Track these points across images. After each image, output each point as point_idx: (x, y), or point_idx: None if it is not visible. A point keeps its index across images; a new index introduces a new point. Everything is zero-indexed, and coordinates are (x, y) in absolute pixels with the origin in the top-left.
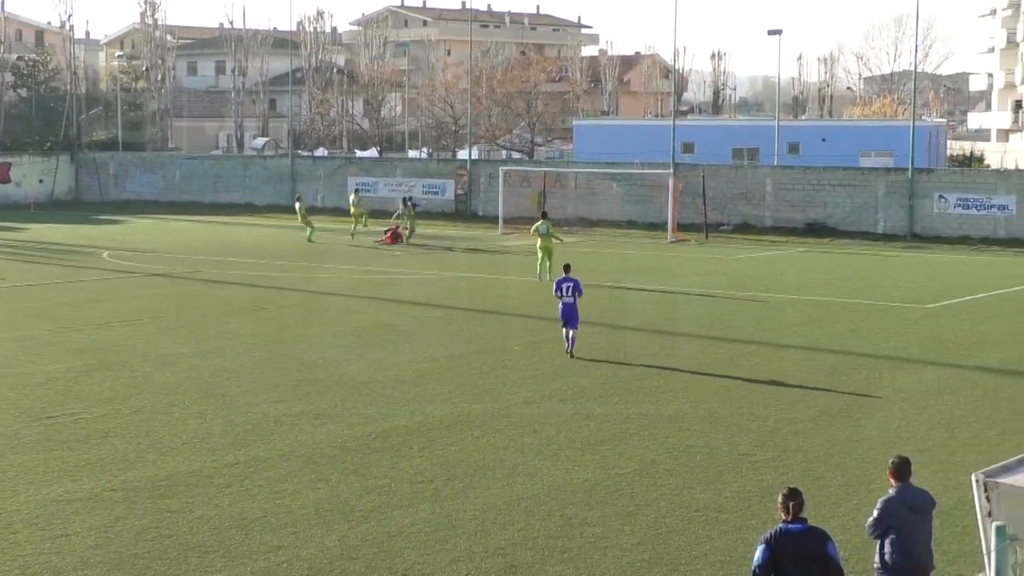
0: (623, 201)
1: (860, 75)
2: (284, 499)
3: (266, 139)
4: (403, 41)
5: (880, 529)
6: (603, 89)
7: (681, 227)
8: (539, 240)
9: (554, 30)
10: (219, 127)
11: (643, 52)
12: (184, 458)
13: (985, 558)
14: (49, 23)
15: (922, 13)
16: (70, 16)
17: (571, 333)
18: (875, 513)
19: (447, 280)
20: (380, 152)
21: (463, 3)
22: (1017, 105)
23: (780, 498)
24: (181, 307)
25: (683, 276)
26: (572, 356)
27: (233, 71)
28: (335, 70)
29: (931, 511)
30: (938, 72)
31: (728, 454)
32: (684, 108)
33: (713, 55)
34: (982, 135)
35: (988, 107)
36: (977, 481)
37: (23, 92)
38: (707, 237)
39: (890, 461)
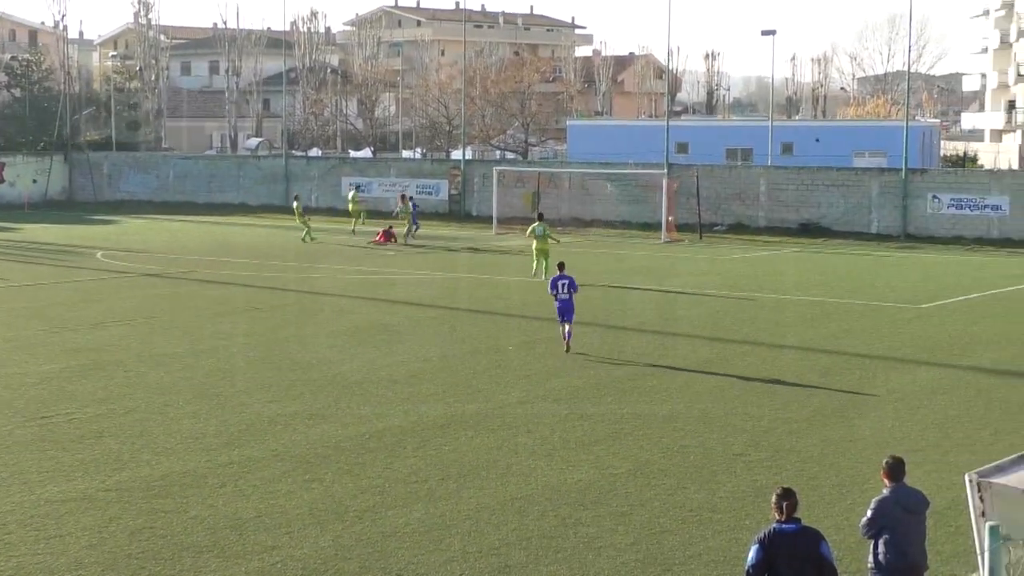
0: (617, 201)
1: (854, 75)
2: (278, 499)
3: (260, 139)
4: (397, 41)
5: (874, 529)
6: (597, 89)
7: (675, 227)
8: (535, 242)
9: (548, 30)
10: (213, 127)
11: (637, 52)
12: (178, 458)
13: (979, 558)
14: (43, 23)
15: (915, 14)
16: (64, 16)
17: (567, 328)
18: (869, 513)
19: (441, 280)
20: (374, 152)
21: (457, 3)
22: (1010, 105)
23: (774, 498)
24: (175, 307)
25: (677, 276)
26: (569, 349)
27: (227, 71)
28: (329, 70)
29: (925, 511)
30: (931, 72)
31: (722, 454)
32: (678, 108)
33: (707, 55)
34: (975, 135)
35: (981, 107)
36: (971, 481)
37: (17, 92)
38: (701, 237)
39: (884, 461)
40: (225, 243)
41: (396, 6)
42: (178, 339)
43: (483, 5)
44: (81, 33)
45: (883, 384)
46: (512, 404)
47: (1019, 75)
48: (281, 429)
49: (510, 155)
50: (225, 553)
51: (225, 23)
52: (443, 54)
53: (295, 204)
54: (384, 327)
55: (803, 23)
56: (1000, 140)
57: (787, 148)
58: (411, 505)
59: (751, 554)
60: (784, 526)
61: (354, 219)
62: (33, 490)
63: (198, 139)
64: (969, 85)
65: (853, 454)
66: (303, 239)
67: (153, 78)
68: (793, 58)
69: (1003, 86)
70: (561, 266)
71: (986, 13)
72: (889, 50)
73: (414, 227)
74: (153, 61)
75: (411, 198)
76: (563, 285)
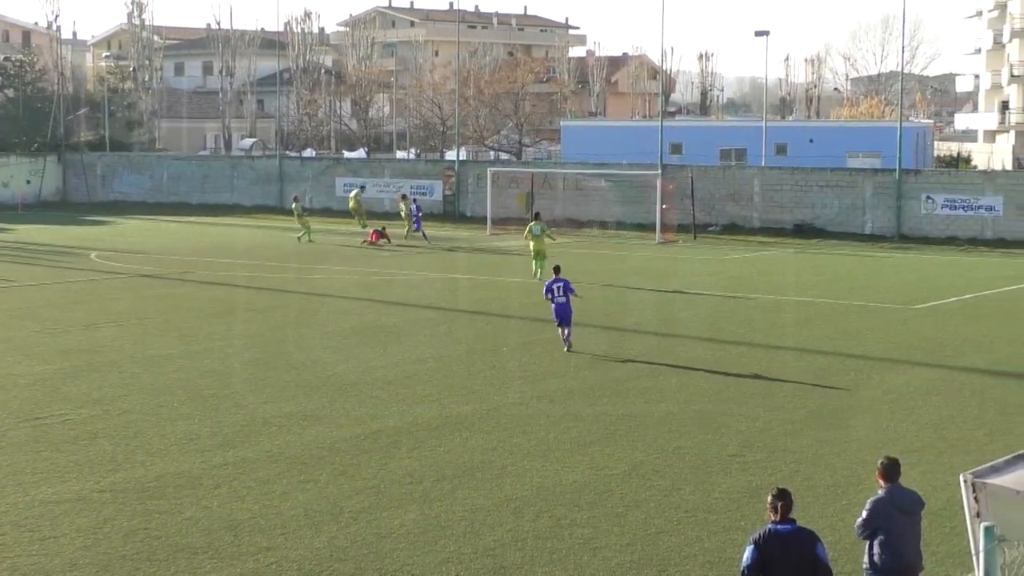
0: (612, 202)
1: (847, 76)
2: (273, 500)
3: (254, 140)
4: (391, 42)
5: (869, 530)
6: (591, 90)
7: (669, 228)
8: (532, 242)
9: (542, 31)
10: (207, 128)
11: (631, 53)
12: (173, 459)
13: (974, 559)
14: (36, 24)
15: (909, 14)
16: (57, 17)
17: (566, 330)
18: (864, 514)
19: (436, 281)
20: (368, 153)
21: (451, 4)
22: (1003, 106)
23: (769, 498)
24: (169, 308)
25: (672, 277)
26: (570, 348)
27: (221, 72)
28: (323, 71)
29: (920, 512)
30: (925, 73)
31: (717, 455)
32: (672, 109)
33: (701, 56)
34: (969, 136)
35: (975, 108)
36: (965, 482)
37: (10, 93)
38: (695, 238)
39: (879, 462)
40: (219, 244)
41: (390, 7)
42: (172, 340)
43: (477, 6)
44: (75, 34)
45: (878, 385)
46: (508, 405)
47: (1012, 76)
48: (276, 430)
49: (504, 156)
50: (220, 554)
51: (219, 23)
52: (437, 55)
53: (294, 205)
54: (379, 328)
55: (796, 24)
56: (994, 141)
57: (781, 149)
58: (406, 506)
59: (746, 555)
60: (779, 527)
61: (357, 218)
62: (27, 491)
63: (192, 140)
64: (962, 86)
65: (848, 455)
66: (299, 238)
67: (147, 79)
68: (787, 59)
69: (996, 87)
70: (556, 269)
71: (979, 14)
72: (882, 51)
73: (415, 227)
74: (147, 62)
75: (414, 200)
76: (558, 288)
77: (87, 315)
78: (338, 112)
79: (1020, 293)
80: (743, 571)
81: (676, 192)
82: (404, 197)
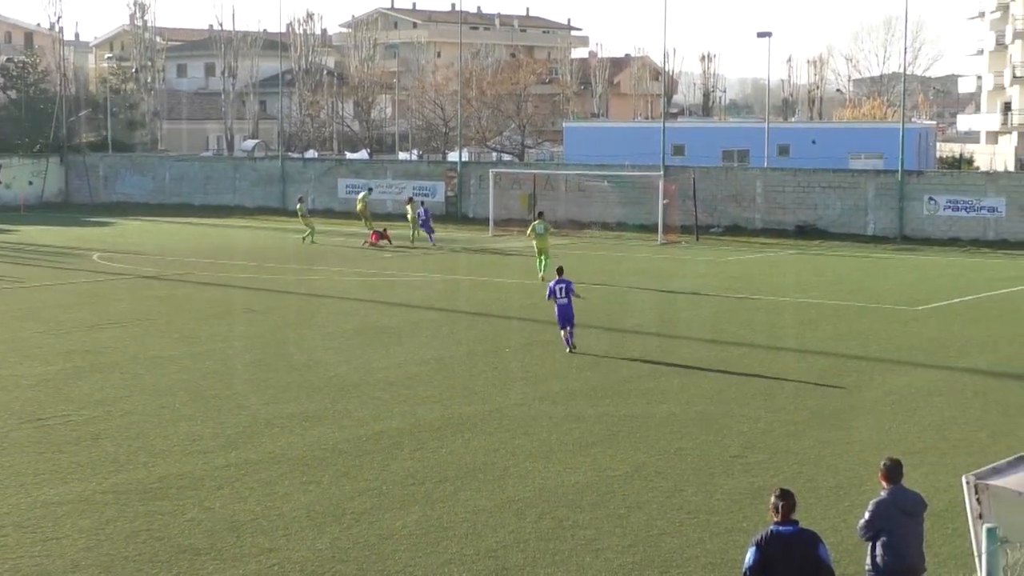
0: (614, 203)
1: (849, 77)
2: (275, 501)
3: (256, 141)
4: (393, 43)
5: (872, 531)
6: (593, 91)
7: (672, 229)
8: (536, 240)
9: (544, 32)
10: (209, 129)
11: (633, 54)
12: (175, 460)
13: (976, 560)
14: (38, 25)
15: (911, 15)
16: (59, 18)
17: (569, 330)
18: (867, 515)
19: (438, 282)
20: (370, 154)
21: (453, 5)
22: (1006, 107)
23: (771, 499)
24: (172, 309)
25: (674, 278)
26: (574, 349)
27: (223, 73)
28: (325, 72)
29: (923, 513)
30: (927, 74)
31: (720, 456)
32: (674, 110)
33: (703, 57)
34: (971, 137)
35: (977, 109)
36: (968, 483)
37: (12, 94)
38: (698, 239)
39: (882, 463)
40: (221, 245)
41: (392, 8)
42: (175, 341)
43: (479, 7)
44: (77, 35)
45: (880, 386)
46: (510, 406)
47: (1015, 77)
48: (278, 431)
49: (506, 157)
50: (222, 555)
51: (221, 25)
52: (439, 56)
53: (299, 205)
54: (381, 329)
55: (799, 25)
56: (996, 142)
57: (783, 150)
58: (408, 507)
59: (748, 556)
60: (781, 528)
61: (364, 220)
62: (30, 492)
63: (194, 141)
64: (965, 87)
65: (850, 456)
66: (303, 239)
67: (149, 80)
68: (789, 60)
69: (999, 88)
70: (560, 271)
71: (981, 15)
72: (885, 52)
73: (421, 230)
74: (149, 63)
75: (422, 202)
76: (560, 290)
77: (89, 316)
78: (340, 113)
79: (1022, 294)
80: (745, 572)
81: (678, 193)
82: (411, 200)
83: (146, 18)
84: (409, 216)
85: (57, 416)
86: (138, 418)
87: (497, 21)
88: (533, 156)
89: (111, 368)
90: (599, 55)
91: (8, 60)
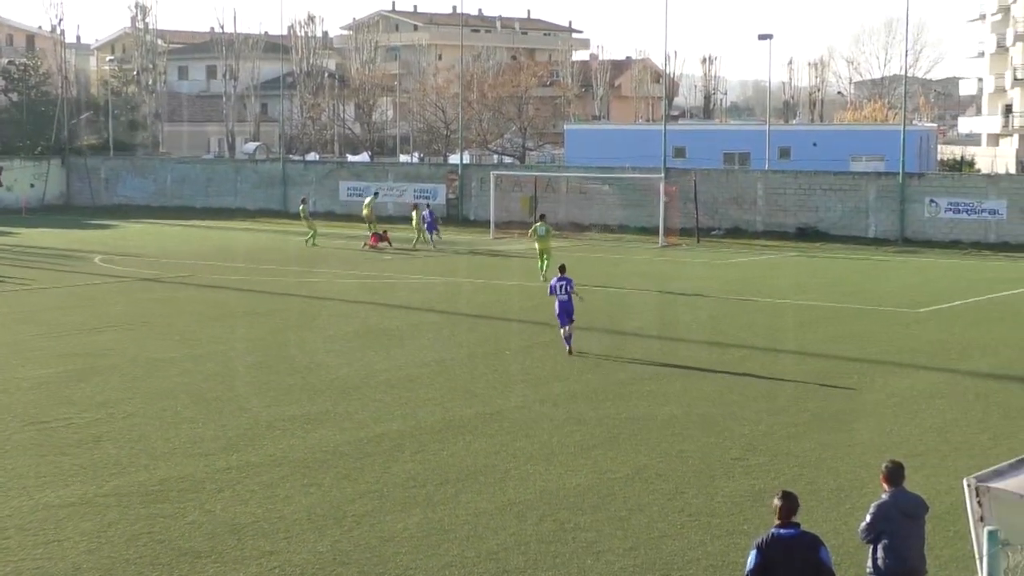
0: (615, 205)
1: (851, 80)
2: (276, 504)
3: (258, 143)
4: (394, 45)
5: (873, 534)
6: (594, 93)
7: (672, 231)
8: (537, 242)
9: (545, 35)
10: (211, 131)
11: (634, 57)
12: (176, 463)
13: (977, 563)
14: (40, 27)
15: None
16: (61, 20)
17: (568, 328)
18: (868, 518)
19: (439, 284)
20: (371, 156)
21: (454, 8)
22: (1007, 109)
23: (774, 501)
24: (173, 311)
25: (675, 280)
26: (571, 352)
27: (224, 75)
28: (326, 74)
29: (924, 516)
30: (928, 77)
31: (721, 458)
32: (675, 113)
33: (704, 60)
34: (972, 139)
35: (978, 111)
36: (969, 486)
37: (14, 96)
38: (699, 241)
39: (883, 465)
40: (223, 247)
41: (393, 10)
42: (176, 343)
43: (480, 9)
44: (78, 37)
45: (881, 388)
46: (510, 408)
47: (1016, 79)
48: (279, 434)
49: (508, 159)
50: (223, 558)
51: (222, 27)
52: (440, 58)
53: (301, 207)
54: (382, 331)
55: (800, 27)
56: (997, 144)
57: (784, 152)
58: (409, 510)
59: (749, 559)
60: (782, 531)
61: (369, 225)
62: (31, 495)
63: (196, 143)
64: (966, 89)
65: (852, 458)
66: (306, 241)
67: (150, 82)
68: (790, 62)
69: (1000, 90)
70: (562, 268)
71: (983, 17)
72: (886, 54)
73: (428, 233)
74: (150, 65)
75: (427, 205)
76: (562, 286)
77: (91, 319)
78: (341, 116)
79: None
80: (746, 575)
81: (679, 195)
82: (416, 207)
83: (147, 20)
84: (414, 221)
85: (59, 419)
86: (139, 420)
87: (498, 23)
88: (534, 158)
89: (112, 371)
90: (600, 57)
91: (10, 63)
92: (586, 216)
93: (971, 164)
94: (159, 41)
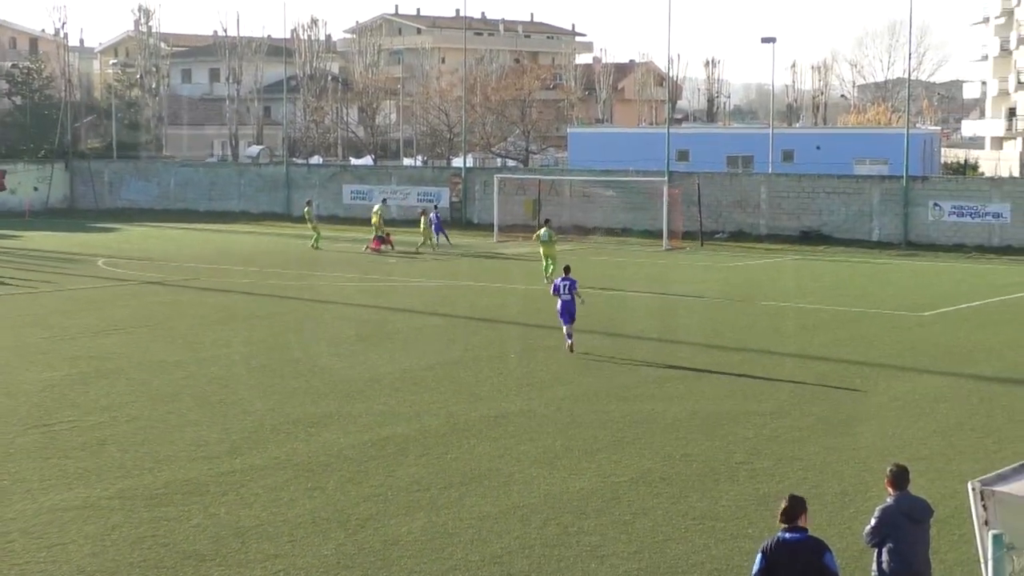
0: (618, 208)
1: (854, 83)
2: (281, 507)
3: (261, 147)
4: (397, 49)
5: (878, 537)
6: (597, 97)
7: (676, 234)
8: (542, 247)
9: (548, 38)
10: (214, 135)
11: (637, 60)
12: (181, 466)
13: (982, 567)
14: (43, 31)
15: (915, 21)
16: (64, 24)
17: (569, 328)
18: (873, 521)
19: (443, 288)
20: (375, 160)
21: (457, 11)
22: (1011, 113)
23: (782, 505)
24: (177, 315)
25: (679, 283)
26: (572, 350)
27: (227, 79)
28: (330, 78)
29: (929, 519)
30: (932, 80)
31: (725, 462)
32: (678, 116)
33: (707, 63)
34: (976, 143)
35: (982, 115)
36: (974, 489)
37: (18, 100)
38: (702, 245)
39: (888, 469)
40: (226, 251)
41: (396, 14)
42: (180, 347)
43: (483, 13)
44: (82, 41)
45: (885, 392)
46: (514, 412)
47: (1019, 82)
48: (284, 437)
49: (511, 163)
50: (228, 562)
51: (225, 31)
52: (443, 62)
53: (306, 209)
54: (386, 334)
55: (803, 30)
56: (1001, 147)
57: (788, 156)
58: (413, 513)
59: (755, 563)
60: (787, 535)
61: (378, 231)
62: (36, 498)
63: (199, 147)
64: (969, 92)
65: (856, 462)
66: (313, 244)
67: (154, 85)
68: (793, 65)
69: (1003, 93)
70: (567, 269)
71: (986, 20)
72: (889, 57)
73: (435, 238)
74: (154, 68)
75: (435, 207)
76: (566, 286)
77: (95, 322)
78: (345, 119)
79: None
80: None
81: (682, 198)
82: (424, 212)
83: (151, 24)
84: (422, 225)
85: (63, 422)
86: (144, 424)
87: (501, 27)
88: (537, 162)
89: (117, 374)
90: (603, 61)
91: (13, 66)
92: (589, 219)
93: (975, 167)
94: (162, 44)
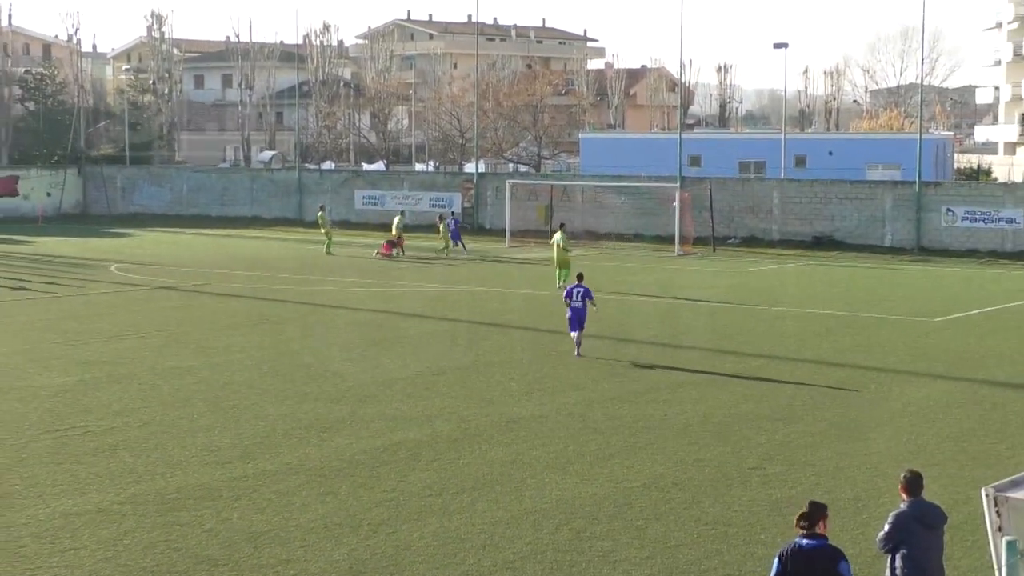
0: (630, 214)
1: (866, 88)
2: (293, 512)
3: (273, 152)
4: (409, 54)
5: (891, 543)
6: (609, 102)
7: (688, 240)
8: (556, 254)
9: (560, 43)
10: (226, 140)
11: (649, 65)
12: (193, 471)
13: (996, 573)
14: (56, 37)
15: (928, 26)
16: (77, 30)
17: (579, 335)
18: (886, 527)
19: (454, 293)
20: (387, 165)
21: (469, 16)
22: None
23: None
24: (189, 320)
25: (691, 289)
26: (579, 355)
27: (240, 84)
28: (342, 83)
29: (943, 526)
30: (945, 85)
31: (737, 467)
32: (690, 121)
33: (719, 68)
34: (989, 148)
35: (995, 120)
36: (987, 495)
37: (31, 105)
38: (714, 250)
39: (902, 475)
40: (238, 256)
41: (409, 19)
42: (192, 352)
43: (495, 18)
44: (95, 47)
45: (898, 397)
46: (526, 417)
47: None
48: (295, 442)
49: (523, 168)
50: (240, 566)
51: (238, 36)
52: (456, 67)
53: (320, 214)
54: (398, 339)
55: (815, 36)
56: (1014, 153)
57: (800, 161)
58: (425, 519)
59: (772, 568)
60: (805, 541)
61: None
62: (48, 503)
63: (211, 152)
64: (982, 98)
65: (869, 468)
66: (327, 251)
67: (167, 91)
68: (805, 71)
69: (1016, 99)
70: (580, 277)
71: (999, 26)
72: (902, 63)
73: (453, 244)
74: (166, 74)
75: (453, 213)
76: (578, 293)
77: (107, 327)
78: (357, 124)
79: None
80: None
81: (693, 203)
82: (441, 218)
83: (163, 30)
84: (440, 230)
85: (75, 427)
86: (156, 429)
87: (513, 32)
88: (549, 167)
89: (129, 379)
90: (615, 66)
91: (26, 72)
92: (601, 225)
93: (988, 173)
94: (175, 50)
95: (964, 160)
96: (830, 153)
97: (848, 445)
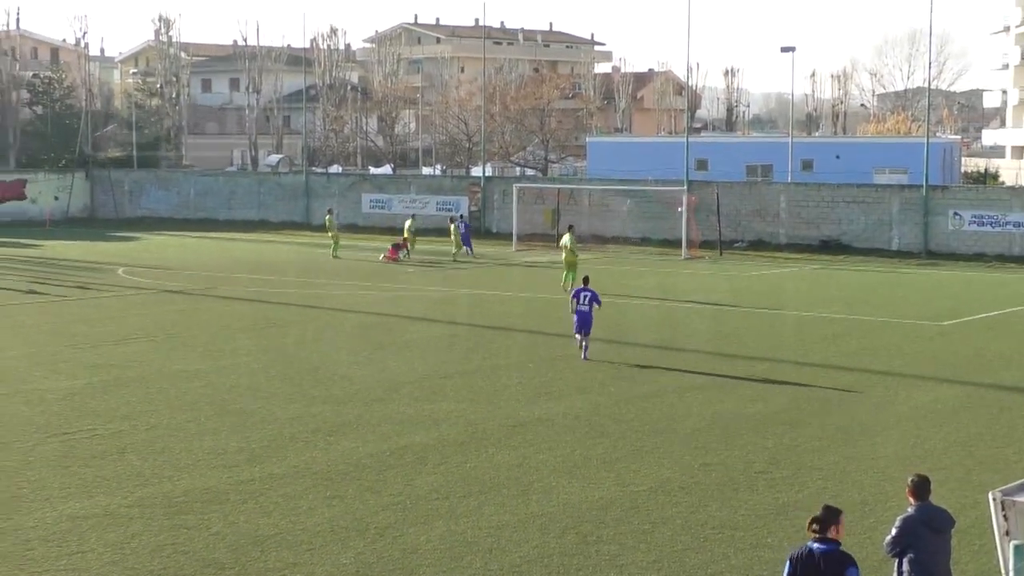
0: (637, 218)
1: (874, 92)
2: (299, 516)
3: (280, 156)
4: (416, 58)
5: (899, 547)
6: (616, 106)
7: (695, 244)
8: (564, 254)
9: (567, 47)
10: (233, 144)
11: (656, 69)
12: (200, 475)
13: None
14: (64, 40)
15: (935, 30)
16: (85, 34)
17: (585, 340)
18: (893, 531)
19: (461, 296)
20: (394, 169)
21: (476, 20)
22: None
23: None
24: (196, 323)
25: (698, 292)
26: (586, 358)
27: (247, 88)
28: (349, 87)
29: (950, 530)
30: (952, 89)
31: (744, 472)
32: (697, 125)
33: (726, 72)
34: (996, 152)
35: (1002, 124)
36: (994, 500)
37: (38, 109)
38: (721, 254)
39: (909, 479)
40: (245, 260)
41: (416, 23)
42: (199, 355)
43: (502, 22)
44: (102, 50)
45: (905, 401)
46: (533, 421)
47: None
48: (302, 445)
49: (530, 172)
50: (247, 570)
51: (245, 40)
52: (463, 71)
53: (328, 217)
54: (404, 343)
55: (822, 39)
56: (1022, 156)
57: (807, 165)
58: (432, 522)
59: (784, 572)
60: (815, 546)
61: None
62: (55, 506)
63: (219, 156)
64: (990, 101)
65: (876, 472)
66: (334, 255)
67: (174, 95)
68: (813, 74)
69: None
70: (586, 280)
71: (1007, 29)
72: (909, 66)
73: (465, 248)
74: (174, 78)
75: (461, 216)
76: (585, 297)
77: (114, 330)
78: (364, 128)
79: None
80: None
81: (701, 207)
82: (452, 220)
83: (171, 33)
84: (452, 234)
85: (83, 430)
86: (163, 432)
87: (520, 36)
88: (556, 171)
89: (136, 382)
90: (622, 70)
91: (34, 76)
92: (608, 228)
93: (995, 176)
94: (182, 54)
95: (971, 164)
96: (837, 157)
97: (855, 449)
